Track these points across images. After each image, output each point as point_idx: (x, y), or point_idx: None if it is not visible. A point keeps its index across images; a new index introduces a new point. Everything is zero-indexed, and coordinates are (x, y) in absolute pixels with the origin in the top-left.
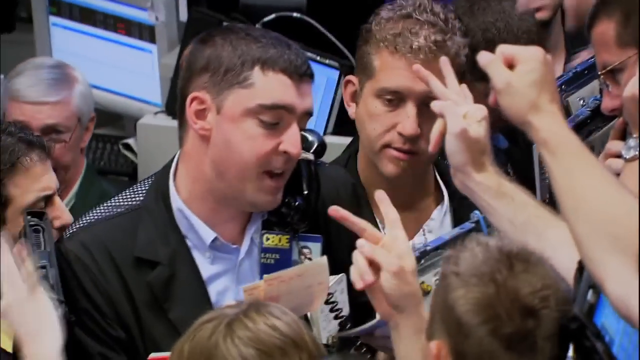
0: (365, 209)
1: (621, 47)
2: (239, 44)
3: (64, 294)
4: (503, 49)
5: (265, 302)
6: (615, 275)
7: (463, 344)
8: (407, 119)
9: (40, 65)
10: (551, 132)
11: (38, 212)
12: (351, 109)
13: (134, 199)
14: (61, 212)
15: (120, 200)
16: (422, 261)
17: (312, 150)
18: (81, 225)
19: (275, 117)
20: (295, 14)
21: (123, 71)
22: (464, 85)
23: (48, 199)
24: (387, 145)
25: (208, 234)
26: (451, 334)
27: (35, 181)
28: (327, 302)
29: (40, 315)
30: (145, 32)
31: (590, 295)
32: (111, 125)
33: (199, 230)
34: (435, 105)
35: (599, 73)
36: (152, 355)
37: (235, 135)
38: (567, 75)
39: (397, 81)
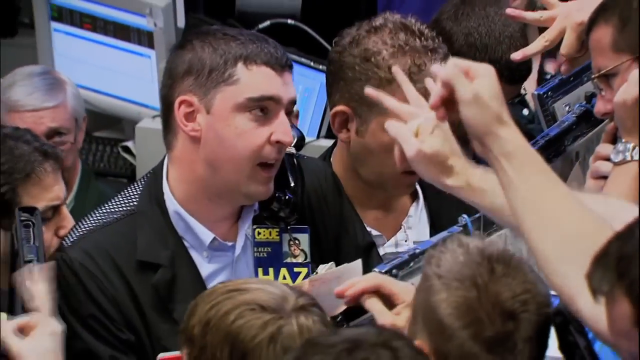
0: (345, 199)
1: (616, 53)
2: (218, 44)
3: (69, 302)
4: (456, 61)
5: (315, 306)
6: (588, 296)
7: (445, 346)
8: None
9: (30, 73)
10: (518, 145)
11: (29, 207)
12: (343, 135)
13: (128, 205)
14: (67, 222)
15: (114, 206)
16: (412, 264)
17: (293, 144)
18: (81, 233)
19: (263, 109)
20: (289, 21)
21: (122, 75)
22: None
23: (56, 208)
24: (405, 172)
25: (206, 235)
26: (433, 336)
27: (46, 191)
28: None
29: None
30: (144, 38)
31: None
32: (110, 128)
33: (197, 232)
34: (390, 131)
35: (593, 77)
36: (161, 355)
37: (227, 131)
38: (553, 81)
39: None
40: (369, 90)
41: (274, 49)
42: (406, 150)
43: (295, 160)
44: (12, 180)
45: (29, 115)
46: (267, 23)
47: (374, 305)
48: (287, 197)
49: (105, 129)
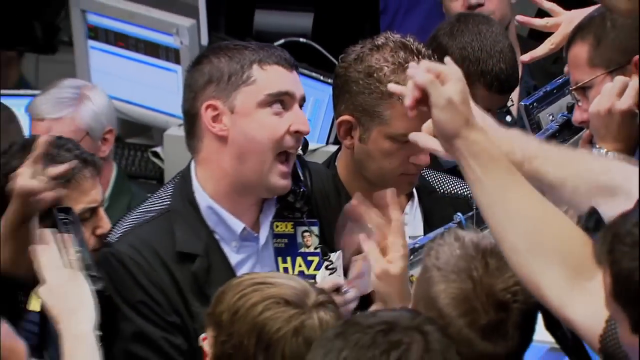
0: (344, 199)
1: (591, 67)
2: (232, 53)
3: (120, 291)
4: (429, 65)
5: (331, 302)
6: (553, 285)
7: (444, 332)
8: (421, 152)
9: (60, 85)
10: (484, 146)
11: (64, 207)
12: (347, 141)
13: (162, 204)
14: (104, 223)
15: (149, 206)
16: (412, 257)
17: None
18: (124, 230)
19: (281, 104)
20: (301, 39)
21: (152, 88)
22: None
23: (93, 210)
24: (403, 173)
25: (238, 225)
26: None
27: (85, 194)
28: (331, 274)
29: (78, 295)
30: (171, 55)
31: None
32: (141, 135)
33: (229, 223)
34: (418, 141)
35: (571, 89)
36: (204, 335)
37: (252, 126)
38: (538, 94)
39: (412, 127)
40: (392, 86)
41: (281, 52)
42: (438, 153)
43: (303, 159)
44: (54, 185)
45: (36, 123)
46: (281, 41)
47: (371, 249)
48: (301, 189)
49: (136, 136)
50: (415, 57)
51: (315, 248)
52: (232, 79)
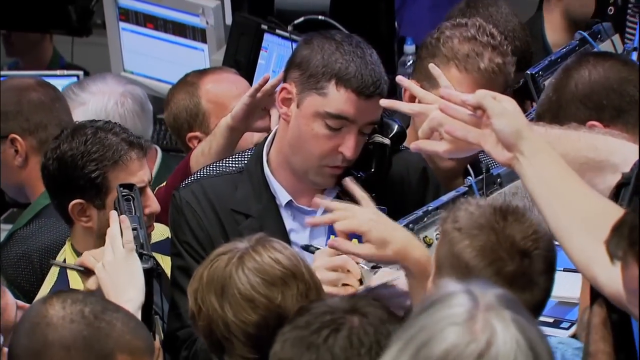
0: (431, 191)
1: None
2: (328, 55)
3: (174, 228)
4: (484, 90)
5: (270, 237)
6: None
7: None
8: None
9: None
10: (544, 144)
11: (128, 184)
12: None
13: (241, 162)
14: (151, 202)
15: (230, 162)
16: (425, 219)
17: (390, 136)
18: (195, 178)
19: (338, 124)
20: (320, 17)
21: (180, 66)
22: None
23: (141, 190)
24: None
25: (284, 197)
26: (460, 278)
27: (132, 175)
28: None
29: (128, 275)
30: (198, 34)
31: None
32: None
33: (277, 194)
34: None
35: None
36: None
37: (305, 130)
38: (544, 62)
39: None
40: (431, 66)
41: (368, 76)
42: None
43: (386, 150)
44: (102, 166)
45: None
46: (301, 19)
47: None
48: (358, 175)
49: None
50: (485, 37)
51: None
52: (310, 79)
